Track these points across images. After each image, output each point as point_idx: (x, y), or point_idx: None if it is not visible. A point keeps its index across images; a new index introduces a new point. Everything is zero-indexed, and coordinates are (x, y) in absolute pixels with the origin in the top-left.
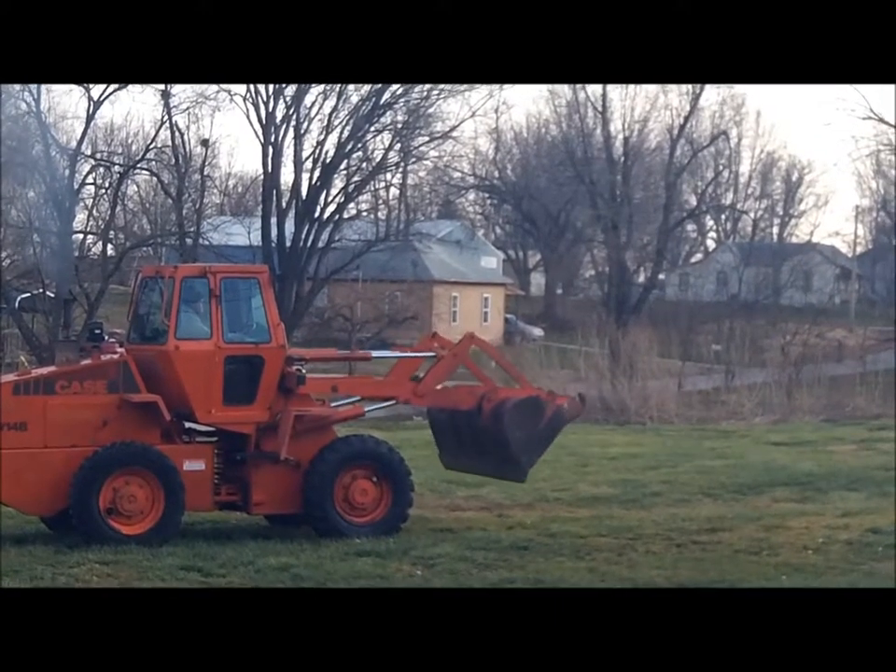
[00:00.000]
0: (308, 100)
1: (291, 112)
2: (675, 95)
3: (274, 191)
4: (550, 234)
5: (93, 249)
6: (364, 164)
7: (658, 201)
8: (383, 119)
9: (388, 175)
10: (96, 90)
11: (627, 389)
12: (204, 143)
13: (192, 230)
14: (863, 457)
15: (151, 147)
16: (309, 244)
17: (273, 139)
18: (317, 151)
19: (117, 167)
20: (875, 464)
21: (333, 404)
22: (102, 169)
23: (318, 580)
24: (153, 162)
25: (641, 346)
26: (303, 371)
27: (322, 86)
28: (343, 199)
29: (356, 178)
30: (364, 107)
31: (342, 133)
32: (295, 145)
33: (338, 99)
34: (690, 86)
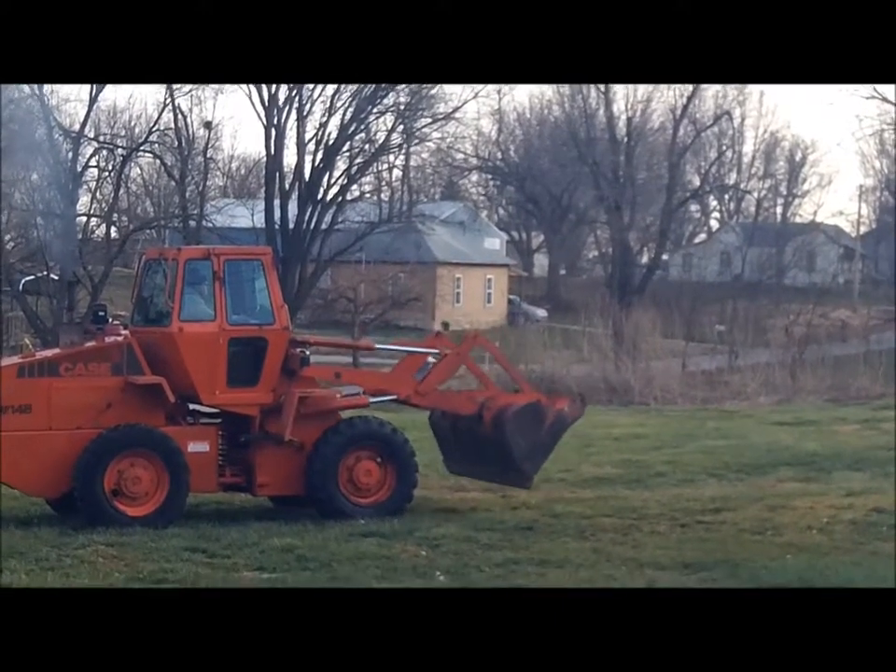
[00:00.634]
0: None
1: (294, 94)
2: None
3: (277, 174)
4: (553, 215)
5: (97, 232)
6: (367, 146)
7: (661, 181)
8: (385, 101)
9: (391, 157)
10: None
11: (631, 370)
12: (207, 125)
13: (195, 212)
14: (867, 437)
15: (154, 129)
16: (312, 226)
17: (275, 121)
18: (320, 133)
19: (120, 150)
20: (879, 444)
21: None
22: (105, 152)
23: (323, 560)
24: (156, 145)
25: (645, 327)
26: (307, 353)
27: None
28: (345, 181)
29: (358, 160)
30: (366, 89)
31: (344, 114)
32: (298, 127)
33: None
34: None
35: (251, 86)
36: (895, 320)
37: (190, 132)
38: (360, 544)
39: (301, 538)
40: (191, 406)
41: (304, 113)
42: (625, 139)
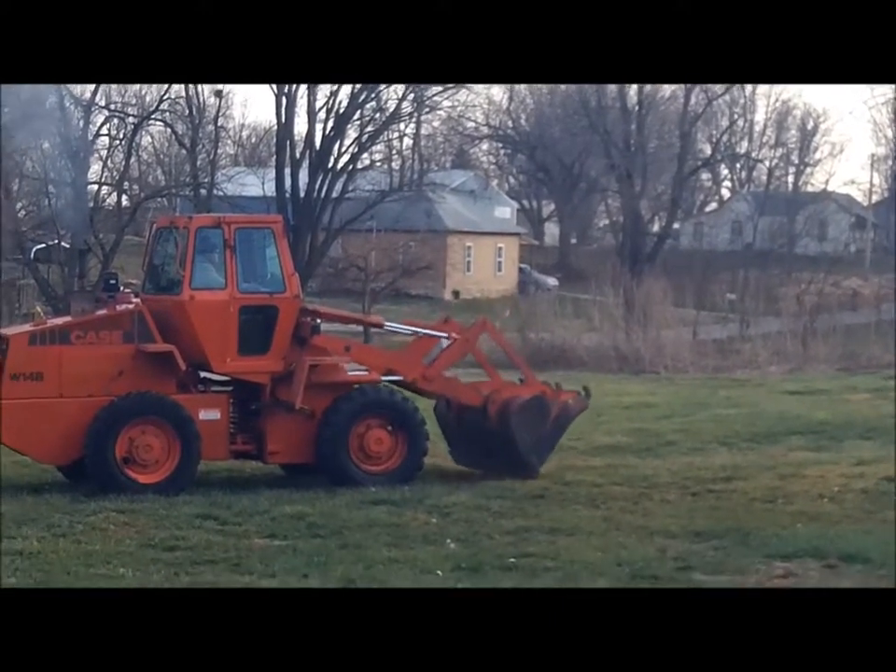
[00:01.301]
0: None
1: None
2: None
3: (288, 142)
4: (564, 184)
5: (108, 200)
6: (377, 114)
7: (672, 150)
8: None
9: (402, 126)
10: None
11: (642, 339)
12: (218, 94)
13: (206, 180)
14: (878, 406)
15: (165, 98)
16: (323, 194)
17: (286, 89)
18: (331, 101)
19: (131, 118)
20: (890, 413)
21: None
22: (116, 120)
23: (333, 527)
24: (167, 113)
25: (656, 296)
26: (318, 321)
27: None
28: (356, 149)
29: (369, 128)
30: None
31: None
32: (308, 95)
33: None
34: None
35: None
36: None
37: (201, 100)
38: (371, 512)
39: (311, 505)
40: (202, 374)
41: None
42: (637, 107)
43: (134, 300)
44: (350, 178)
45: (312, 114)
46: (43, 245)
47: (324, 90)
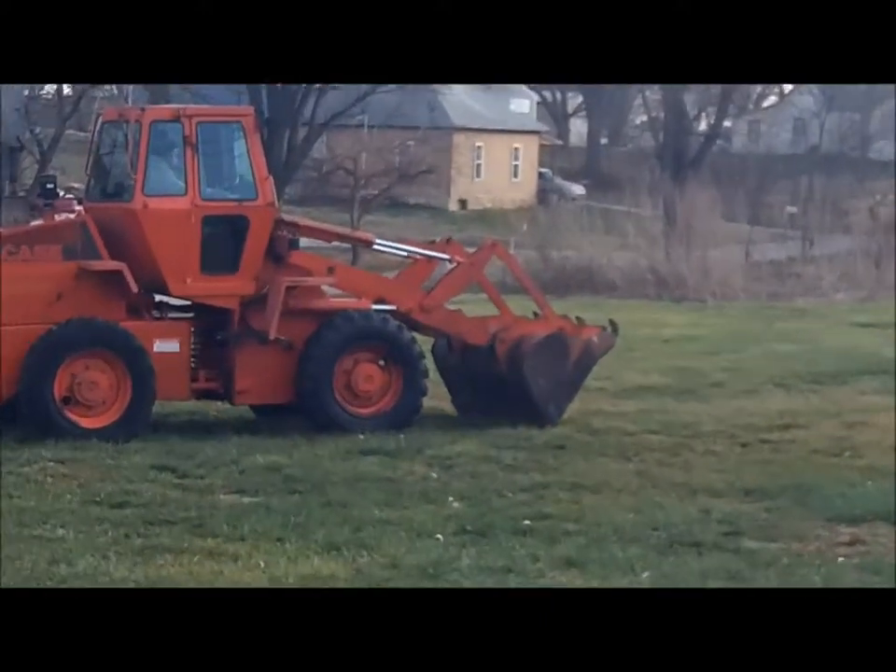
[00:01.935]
0: None
1: None
2: None
3: None
4: None
5: (46, 88)
6: None
7: None
8: None
9: None
10: None
11: (684, 259)
12: None
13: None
14: None
15: None
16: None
17: None
18: None
19: None
20: None
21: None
22: None
23: (314, 481)
24: None
25: (702, 207)
26: (297, 236)
27: None
28: None
29: None
30: None
31: None
32: None
33: None
34: None
35: None
36: None
37: None
38: (359, 463)
39: (288, 455)
40: (158, 298)
41: None
42: None
43: (77, 208)
44: None
45: None
46: None
47: None
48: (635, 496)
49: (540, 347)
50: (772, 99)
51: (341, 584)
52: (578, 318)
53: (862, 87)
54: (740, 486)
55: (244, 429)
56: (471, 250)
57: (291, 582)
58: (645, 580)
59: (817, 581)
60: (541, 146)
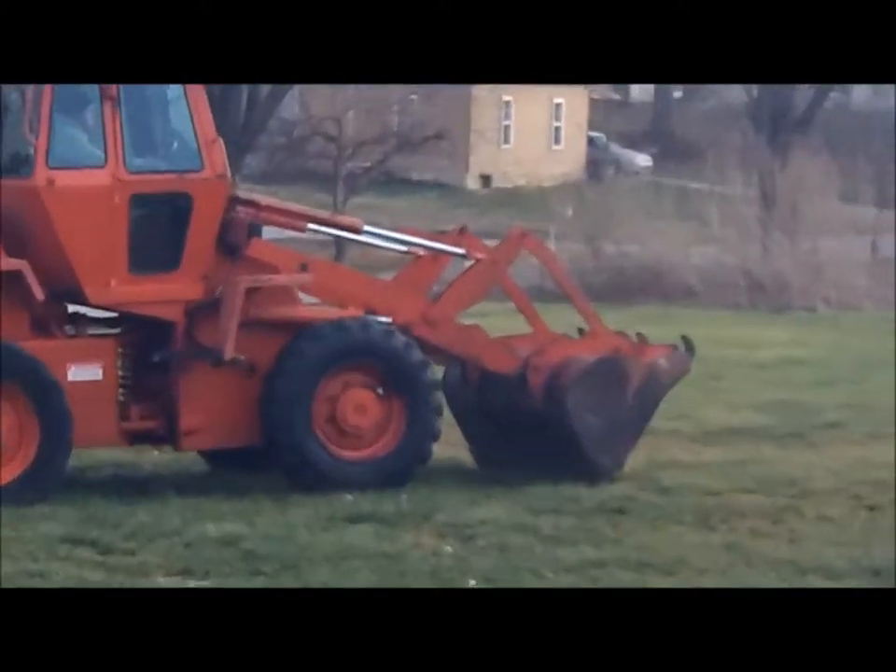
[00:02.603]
0: None
1: None
2: None
3: None
4: None
5: None
6: None
7: None
8: None
9: None
10: None
11: (788, 254)
12: None
13: None
14: None
15: None
16: None
17: None
18: None
19: None
20: None
21: None
22: None
23: (285, 560)
24: None
25: (811, 184)
26: (258, 220)
27: None
28: None
29: None
30: None
31: None
32: None
33: None
34: None
35: None
36: None
37: None
38: (346, 534)
39: (249, 522)
40: (72, 308)
41: None
42: None
43: None
44: None
45: None
46: None
47: None
48: (722, 575)
49: (588, 376)
50: None
51: None
52: (639, 335)
53: None
54: (867, 565)
55: (190, 487)
56: (494, 244)
57: None
58: None
59: None
60: (592, 101)
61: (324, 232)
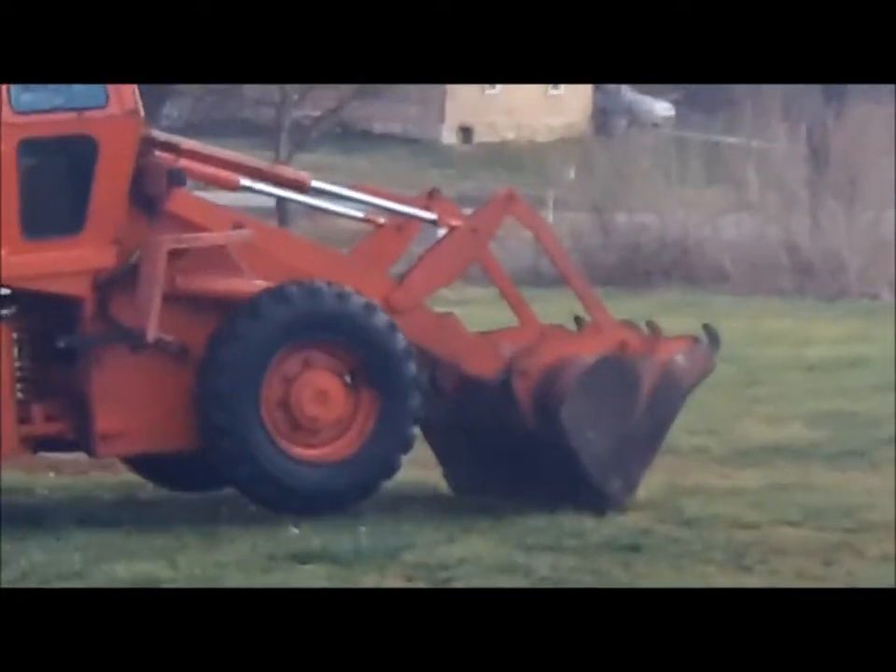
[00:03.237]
0: None
1: None
2: None
3: None
4: None
5: None
6: None
7: None
8: None
9: None
10: None
11: (844, 228)
12: None
13: None
14: None
15: None
16: None
17: None
18: None
19: None
20: None
21: None
22: None
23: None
24: None
25: (871, 140)
26: (179, 167)
27: None
28: None
29: None
30: None
31: None
32: None
33: None
34: None
35: None
36: None
37: None
38: (291, 575)
39: (170, 559)
40: None
41: None
42: None
43: None
44: None
45: None
46: None
47: None
48: None
49: (588, 380)
50: None
51: None
52: (650, 325)
53: None
54: None
55: (94, 517)
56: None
57: None
58: None
59: None
60: None
61: (262, 191)
